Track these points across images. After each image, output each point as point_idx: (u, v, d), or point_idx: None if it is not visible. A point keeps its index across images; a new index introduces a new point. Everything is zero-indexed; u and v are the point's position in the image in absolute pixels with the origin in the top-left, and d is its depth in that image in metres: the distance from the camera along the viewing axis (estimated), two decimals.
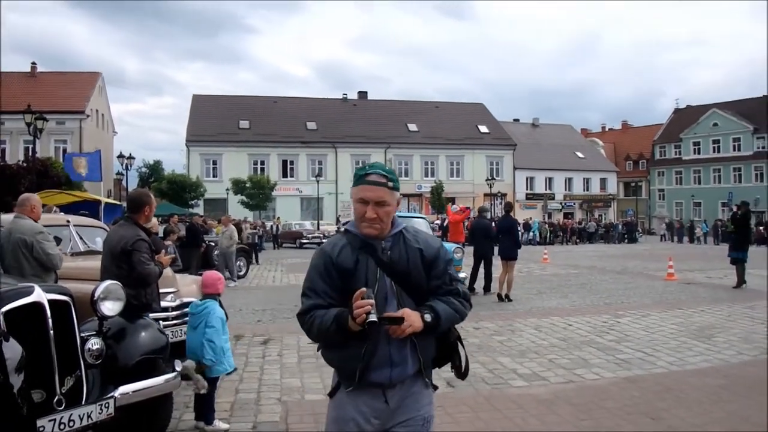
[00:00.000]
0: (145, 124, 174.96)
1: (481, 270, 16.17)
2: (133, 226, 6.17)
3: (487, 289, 15.93)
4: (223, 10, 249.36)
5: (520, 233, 43.98)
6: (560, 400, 6.57)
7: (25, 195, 7.36)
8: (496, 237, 15.92)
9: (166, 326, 6.71)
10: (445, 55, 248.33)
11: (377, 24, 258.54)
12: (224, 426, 5.82)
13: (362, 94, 77.04)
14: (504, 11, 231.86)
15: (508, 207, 16.67)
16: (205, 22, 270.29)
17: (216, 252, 20.38)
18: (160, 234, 15.05)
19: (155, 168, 70.69)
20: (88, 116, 53.18)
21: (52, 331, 4.29)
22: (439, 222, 45.53)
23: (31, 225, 6.69)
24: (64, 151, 50.82)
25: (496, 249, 16.12)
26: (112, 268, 5.97)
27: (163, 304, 7.93)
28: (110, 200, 30.39)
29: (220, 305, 6.17)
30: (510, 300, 14.66)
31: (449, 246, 14.75)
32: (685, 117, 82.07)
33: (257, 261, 30.55)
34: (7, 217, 7.08)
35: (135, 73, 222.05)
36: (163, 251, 7.77)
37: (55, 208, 14.77)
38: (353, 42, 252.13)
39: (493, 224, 17.80)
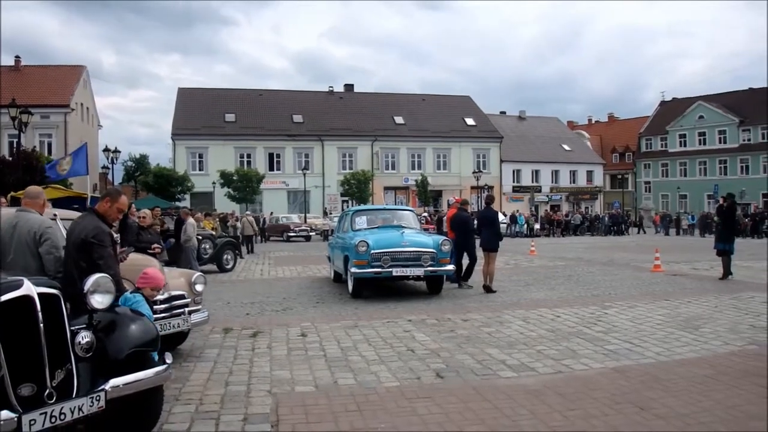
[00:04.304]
0: (124, 118, 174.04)
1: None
2: (91, 218, 6.10)
3: (465, 279, 15.85)
4: (197, 2, 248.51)
5: (505, 225, 44.62)
6: (549, 391, 6.60)
7: (37, 188, 6.98)
8: (477, 229, 15.91)
9: (155, 319, 6.68)
10: (424, 47, 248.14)
11: (352, 15, 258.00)
12: None
13: (348, 87, 77.10)
14: (479, 2, 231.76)
15: (489, 199, 16.69)
16: (180, 13, 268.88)
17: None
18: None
19: (141, 162, 70.22)
20: (72, 110, 52.92)
21: (42, 325, 4.28)
22: (426, 215, 45.59)
23: (40, 219, 6.33)
24: (49, 145, 50.59)
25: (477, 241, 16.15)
26: (69, 259, 5.93)
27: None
28: (96, 195, 30.21)
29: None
30: (493, 291, 14.72)
31: (438, 238, 14.79)
32: (671, 109, 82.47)
33: (252, 250, 31.69)
34: (7, 211, 6.74)
35: (111, 66, 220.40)
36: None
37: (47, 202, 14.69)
38: (329, 33, 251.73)
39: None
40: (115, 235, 6.26)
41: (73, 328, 4.68)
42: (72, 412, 4.30)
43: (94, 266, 5.74)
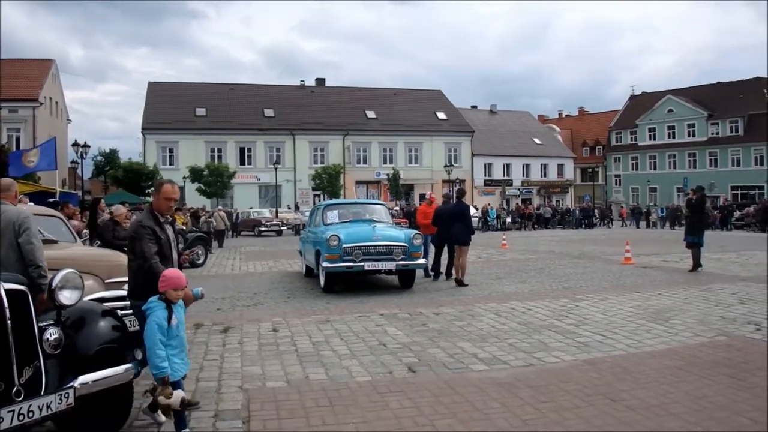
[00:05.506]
0: (92, 112, 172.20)
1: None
2: (143, 213, 6.12)
3: (449, 274, 16.01)
4: None
5: (477, 219, 44.75)
6: (521, 383, 6.62)
7: (8, 180, 6.64)
8: (451, 222, 15.96)
9: (124, 315, 6.60)
10: (394, 41, 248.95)
11: (323, 8, 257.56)
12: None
13: (320, 81, 76.82)
14: None
15: (460, 193, 16.74)
16: (148, 6, 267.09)
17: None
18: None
19: (111, 156, 69.66)
20: (41, 104, 52.17)
21: (9, 321, 4.22)
22: (398, 209, 45.66)
23: (17, 210, 6.03)
24: (17, 139, 49.93)
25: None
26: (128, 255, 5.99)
27: (120, 293, 7.84)
28: (65, 190, 29.89)
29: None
30: (465, 284, 14.77)
31: (410, 232, 14.79)
32: (641, 103, 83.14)
33: (221, 245, 32.19)
34: None
35: (79, 59, 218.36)
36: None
37: (22, 196, 14.54)
38: (299, 27, 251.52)
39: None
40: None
41: (41, 324, 4.63)
42: (40, 410, 4.25)
43: (138, 259, 5.81)
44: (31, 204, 11.46)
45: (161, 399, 5.04)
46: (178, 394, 5.08)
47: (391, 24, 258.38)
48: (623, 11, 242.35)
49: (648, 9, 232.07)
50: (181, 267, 6.29)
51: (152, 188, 46.09)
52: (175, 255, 6.21)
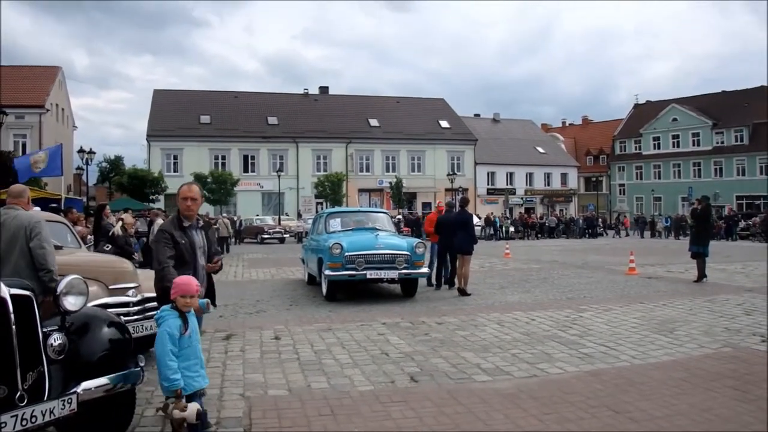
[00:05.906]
0: (97, 119, 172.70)
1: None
2: (169, 218, 6.36)
3: (450, 283, 15.97)
4: (169, 3, 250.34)
5: (480, 228, 44.71)
6: (524, 394, 6.58)
7: (20, 186, 6.76)
8: (453, 231, 15.93)
9: (127, 321, 6.59)
10: (395, 49, 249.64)
11: (325, 16, 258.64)
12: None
13: (323, 89, 77.01)
14: (448, 4, 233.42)
15: (464, 202, 16.71)
16: (151, 14, 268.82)
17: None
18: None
19: (116, 163, 69.77)
20: (47, 110, 52.30)
21: (14, 326, 4.23)
22: (400, 217, 45.62)
23: (29, 215, 6.18)
24: (24, 145, 50.05)
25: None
26: None
27: (124, 299, 7.85)
28: (70, 196, 29.92)
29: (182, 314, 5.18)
30: (467, 294, 14.72)
31: (412, 241, 14.76)
32: (645, 112, 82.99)
33: (228, 250, 32.99)
34: None
35: (84, 66, 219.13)
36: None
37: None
38: (302, 35, 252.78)
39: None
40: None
41: (45, 330, 4.63)
42: (43, 415, 4.24)
43: (156, 264, 6.02)
44: (37, 209, 11.45)
45: (175, 413, 4.78)
46: (193, 407, 4.83)
47: (391, 31, 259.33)
48: (623, 17, 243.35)
49: (648, 15, 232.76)
50: (208, 274, 6.31)
51: (156, 194, 46.51)
52: (201, 261, 6.20)
